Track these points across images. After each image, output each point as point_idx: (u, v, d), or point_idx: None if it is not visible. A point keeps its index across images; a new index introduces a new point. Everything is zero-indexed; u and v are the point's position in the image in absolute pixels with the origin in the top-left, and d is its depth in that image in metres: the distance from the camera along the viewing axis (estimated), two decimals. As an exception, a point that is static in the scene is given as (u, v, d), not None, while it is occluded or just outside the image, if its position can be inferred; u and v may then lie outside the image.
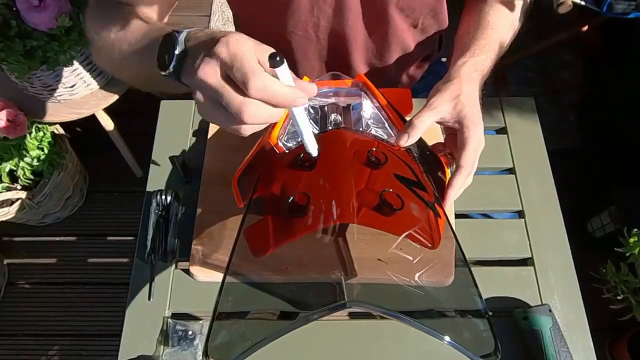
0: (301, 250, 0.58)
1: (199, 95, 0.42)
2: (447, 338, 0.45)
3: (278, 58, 0.39)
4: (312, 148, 0.50)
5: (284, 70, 0.40)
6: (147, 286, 0.70)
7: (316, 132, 0.65)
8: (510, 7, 0.71)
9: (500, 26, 0.69)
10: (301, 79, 0.68)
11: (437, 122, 0.59)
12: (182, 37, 0.46)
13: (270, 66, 0.40)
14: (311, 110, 0.68)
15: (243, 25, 0.88)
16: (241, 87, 0.39)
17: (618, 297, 1.06)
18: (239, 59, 0.39)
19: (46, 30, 1.10)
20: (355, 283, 0.61)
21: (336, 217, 0.50)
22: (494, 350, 0.46)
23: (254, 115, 0.40)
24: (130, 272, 0.72)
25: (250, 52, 0.40)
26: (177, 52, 0.45)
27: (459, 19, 0.76)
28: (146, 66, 0.51)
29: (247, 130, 0.42)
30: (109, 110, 1.37)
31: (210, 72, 0.40)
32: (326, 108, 0.67)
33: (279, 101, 0.41)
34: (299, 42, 0.80)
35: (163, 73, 0.47)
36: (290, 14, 0.74)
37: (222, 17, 1.99)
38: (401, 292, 0.54)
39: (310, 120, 0.67)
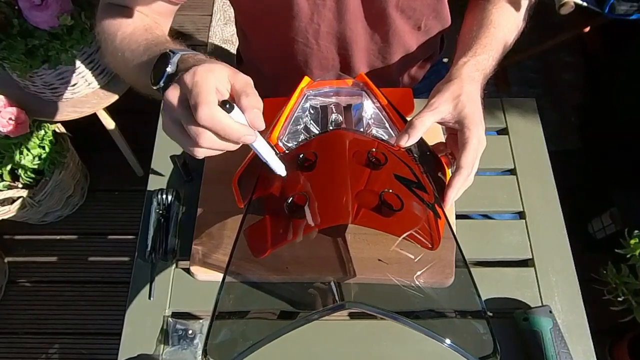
0: (301, 251, 0.58)
1: (163, 113, 0.46)
2: (446, 339, 0.45)
3: (228, 105, 0.43)
4: (280, 170, 0.52)
5: (236, 114, 0.43)
6: (148, 285, 0.71)
7: (316, 132, 0.65)
8: (516, 6, 0.70)
9: (504, 25, 0.69)
10: (302, 79, 0.69)
11: (438, 122, 0.59)
12: (174, 59, 0.51)
13: (224, 110, 0.43)
14: (312, 111, 0.68)
15: (244, 31, 0.88)
16: (193, 113, 0.42)
17: (619, 299, 1.06)
18: (197, 87, 0.42)
19: (48, 29, 1.10)
20: (355, 283, 0.61)
21: (335, 217, 0.50)
22: (493, 352, 0.46)
23: (209, 141, 0.43)
24: (131, 271, 0.72)
25: (211, 82, 0.43)
26: (167, 71, 0.51)
27: (461, 18, 0.76)
28: (143, 78, 0.56)
29: (201, 153, 0.46)
30: (110, 109, 1.37)
31: (173, 95, 0.44)
32: (327, 108, 0.67)
33: (227, 134, 0.43)
34: (299, 49, 0.80)
35: (154, 87, 0.52)
36: (290, 21, 0.74)
37: (223, 17, 1.99)
38: (401, 293, 0.54)
39: (311, 122, 0.67)
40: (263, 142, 0.48)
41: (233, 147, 0.46)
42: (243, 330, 0.51)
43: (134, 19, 0.66)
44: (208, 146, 0.44)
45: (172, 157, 0.80)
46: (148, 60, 0.56)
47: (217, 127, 0.42)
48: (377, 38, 0.79)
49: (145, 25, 0.65)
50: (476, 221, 0.81)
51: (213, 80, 0.43)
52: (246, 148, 0.49)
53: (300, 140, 0.63)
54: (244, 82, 0.46)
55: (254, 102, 0.45)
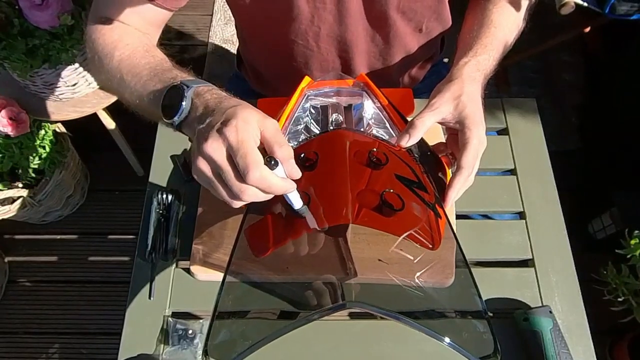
0: (301, 250, 0.58)
1: (201, 164, 0.46)
2: (446, 339, 0.45)
3: (273, 162, 0.44)
4: (307, 217, 0.51)
5: (279, 170, 0.45)
6: (148, 285, 0.71)
7: (317, 132, 0.65)
8: (516, 6, 0.70)
9: (504, 25, 0.69)
10: (302, 79, 0.69)
11: (439, 123, 0.59)
12: (189, 93, 0.51)
13: (269, 168, 0.44)
14: (312, 111, 0.68)
15: (243, 33, 0.87)
16: (241, 173, 0.43)
17: (619, 299, 1.06)
18: (243, 147, 0.43)
19: (48, 28, 1.10)
20: (356, 283, 0.61)
21: (336, 217, 0.50)
22: (494, 352, 0.46)
23: (251, 196, 0.45)
24: (131, 271, 0.72)
25: (252, 139, 0.44)
26: (183, 106, 0.50)
27: (462, 18, 0.76)
28: (150, 106, 0.56)
29: (239, 205, 0.47)
30: (110, 108, 1.37)
31: (217, 151, 0.44)
32: (327, 108, 0.67)
33: (273, 191, 0.45)
34: (299, 51, 0.79)
35: (166, 121, 0.52)
36: (290, 23, 0.74)
37: (224, 17, 1.99)
38: (401, 293, 0.54)
39: (312, 121, 0.67)
40: (296, 192, 0.49)
41: (270, 197, 0.46)
42: (243, 330, 0.51)
43: (131, 38, 0.65)
44: (250, 200, 0.45)
45: (173, 157, 0.80)
46: (156, 91, 0.56)
47: (264, 186, 0.44)
48: (378, 40, 0.79)
49: (144, 47, 0.64)
50: (476, 221, 0.81)
51: (253, 136, 0.44)
52: None
53: (300, 140, 0.63)
54: (274, 129, 0.46)
55: (288, 152, 0.46)
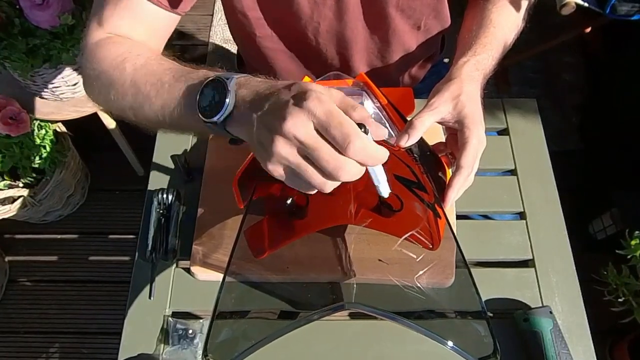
0: (301, 251, 0.58)
1: (283, 148, 0.39)
2: (445, 340, 0.45)
3: (363, 129, 0.39)
4: (385, 191, 0.47)
5: (370, 137, 0.40)
6: (148, 285, 0.71)
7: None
8: (516, 5, 0.70)
9: (504, 24, 0.69)
10: (302, 79, 0.69)
11: (438, 122, 0.59)
12: (232, 85, 0.44)
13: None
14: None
15: (242, 31, 0.87)
16: (339, 146, 0.38)
17: (619, 300, 1.06)
18: (336, 118, 0.38)
19: (49, 28, 1.10)
20: (355, 284, 0.61)
21: (335, 217, 0.50)
22: (493, 352, 0.46)
23: (349, 173, 0.39)
24: (131, 271, 0.72)
25: (340, 109, 0.39)
26: (228, 100, 0.44)
27: (461, 18, 0.76)
28: (179, 115, 0.49)
29: (331, 188, 0.40)
30: (111, 108, 1.37)
31: (304, 127, 0.38)
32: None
33: (373, 160, 0.40)
34: (298, 47, 0.79)
35: (206, 120, 0.45)
36: (289, 18, 0.74)
37: (224, 17, 1.99)
38: (401, 293, 0.54)
39: None
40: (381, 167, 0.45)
41: (362, 173, 0.41)
42: (243, 330, 0.51)
43: (141, 49, 0.58)
44: (347, 178, 0.39)
45: (173, 157, 0.80)
46: (187, 94, 0.49)
47: (365, 156, 0.39)
48: (377, 37, 0.79)
49: (157, 56, 0.57)
50: (476, 221, 0.81)
51: (337, 106, 0.39)
52: (247, 149, 0.48)
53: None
54: (342, 95, 0.41)
55: (366, 113, 0.41)
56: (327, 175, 0.39)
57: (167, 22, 0.65)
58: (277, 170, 0.41)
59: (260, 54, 0.90)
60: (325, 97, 0.39)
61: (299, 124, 0.38)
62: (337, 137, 0.38)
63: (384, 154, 0.40)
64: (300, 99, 0.39)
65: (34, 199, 1.38)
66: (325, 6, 0.71)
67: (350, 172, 0.39)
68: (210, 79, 0.46)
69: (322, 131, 0.38)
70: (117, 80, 0.55)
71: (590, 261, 0.98)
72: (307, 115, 0.38)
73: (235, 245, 0.52)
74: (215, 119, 0.44)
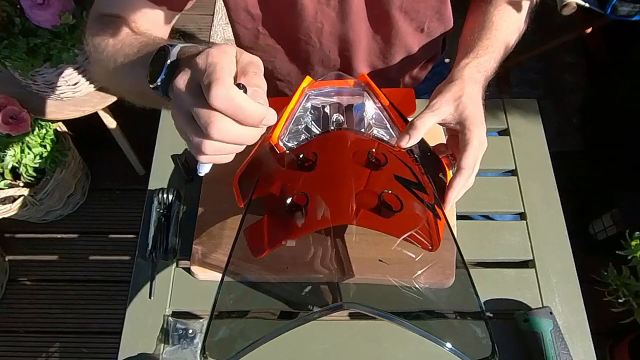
0: (300, 251, 0.58)
1: (173, 104, 0.40)
2: (444, 342, 0.45)
3: (241, 87, 0.38)
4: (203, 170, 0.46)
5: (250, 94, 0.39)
6: (148, 284, 0.71)
7: (317, 132, 0.65)
8: (517, 7, 0.70)
9: (505, 27, 0.69)
10: (303, 79, 0.69)
11: (439, 124, 0.59)
12: (174, 50, 0.45)
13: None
14: (313, 110, 0.68)
15: (241, 29, 0.87)
16: (204, 95, 0.37)
17: (619, 300, 1.06)
18: (212, 67, 0.37)
19: (50, 27, 1.10)
20: (354, 284, 0.61)
21: (335, 217, 0.50)
22: (492, 354, 0.46)
23: (222, 131, 0.37)
24: (132, 270, 0.72)
25: (226, 62, 0.38)
26: (167, 63, 0.44)
27: (463, 19, 0.76)
28: (138, 80, 0.50)
29: (209, 148, 0.39)
30: (111, 108, 1.37)
31: (182, 79, 0.39)
32: (328, 108, 0.67)
33: (246, 116, 0.38)
34: (301, 47, 0.79)
35: (151, 86, 0.45)
36: (293, 19, 0.74)
37: (225, 16, 1.99)
38: (400, 294, 0.54)
39: (312, 122, 0.67)
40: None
41: (249, 139, 0.40)
42: (242, 329, 0.51)
43: (127, 28, 0.60)
44: (221, 137, 0.38)
45: (174, 157, 0.80)
46: (143, 57, 0.50)
47: (234, 108, 0.37)
48: (379, 39, 0.79)
49: (138, 31, 0.60)
50: (477, 222, 0.81)
51: (227, 62, 0.38)
52: (247, 148, 0.48)
53: (301, 140, 0.63)
54: (247, 61, 0.40)
55: (262, 82, 0.40)
56: (203, 131, 0.38)
57: (164, 16, 0.66)
58: (177, 129, 0.41)
59: (261, 53, 0.90)
60: (218, 53, 0.38)
61: (180, 78, 0.39)
62: (204, 83, 0.37)
63: (258, 110, 0.38)
64: (194, 56, 0.39)
65: (35, 198, 1.38)
66: (329, 7, 0.72)
67: (223, 127, 0.37)
68: (160, 45, 0.47)
69: (199, 83, 0.38)
70: (102, 55, 0.58)
71: (590, 262, 0.97)
72: (190, 70, 0.39)
73: (234, 244, 0.52)
74: (155, 82, 0.45)
